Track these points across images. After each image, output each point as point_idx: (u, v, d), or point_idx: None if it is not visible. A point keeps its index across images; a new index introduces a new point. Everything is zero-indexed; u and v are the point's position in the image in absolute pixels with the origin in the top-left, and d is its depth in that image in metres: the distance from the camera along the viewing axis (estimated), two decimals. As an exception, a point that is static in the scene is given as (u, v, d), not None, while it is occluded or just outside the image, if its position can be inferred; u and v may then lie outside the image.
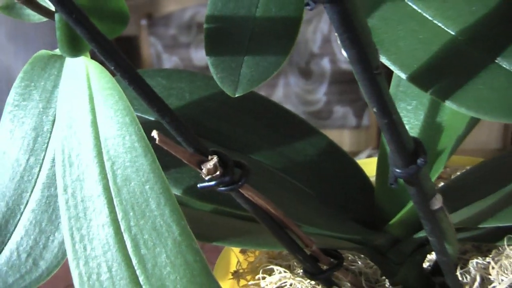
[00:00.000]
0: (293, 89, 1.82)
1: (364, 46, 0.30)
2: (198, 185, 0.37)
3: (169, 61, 1.89)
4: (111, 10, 0.39)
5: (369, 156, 1.71)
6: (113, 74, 0.39)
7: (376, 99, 0.32)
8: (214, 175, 0.36)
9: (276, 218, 0.43)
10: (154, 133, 0.33)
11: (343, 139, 1.83)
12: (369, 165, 0.59)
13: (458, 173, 0.66)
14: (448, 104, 0.35)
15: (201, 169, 0.36)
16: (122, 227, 0.38)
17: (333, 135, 0.58)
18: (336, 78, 1.78)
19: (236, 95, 0.39)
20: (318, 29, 1.74)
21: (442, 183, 0.66)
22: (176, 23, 1.84)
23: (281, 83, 1.82)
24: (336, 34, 0.29)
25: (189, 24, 1.83)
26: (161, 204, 0.38)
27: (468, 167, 0.65)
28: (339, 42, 0.30)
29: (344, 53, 0.30)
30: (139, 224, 0.38)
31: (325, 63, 1.78)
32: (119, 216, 0.38)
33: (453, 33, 0.36)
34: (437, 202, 0.41)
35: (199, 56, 1.84)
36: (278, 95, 1.82)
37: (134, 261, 0.38)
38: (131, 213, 0.38)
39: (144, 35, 1.86)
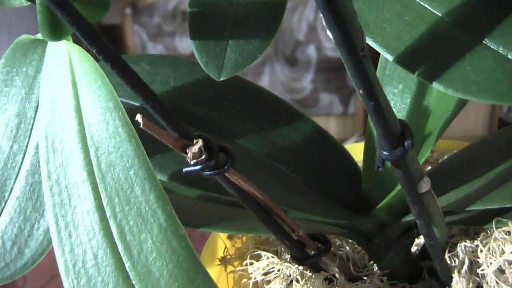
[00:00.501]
0: (278, 77, 1.82)
1: (349, 28, 0.29)
2: (184, 170, 0.37)
3: (154, 50, 1.88)
4: (93, -6, 0.38)
5: (356, 142, 1.71)
6: (96, 60, 0.38)
7: (361, 81, 0.32)
8: (199, 159, 0.36)
9: (262, 203, 0.43)
10: (138, 117, 0.33)
11: (329, 126, 1.83)
12: (356, 150, 0.59)
13: (446, 157, 0.66)
14: (435, 85, 0.34)
15: (186, 154, 0.36)
16: (107, 213, 0.38)
17: (319, 122, 0.58)
18: (322, 66, 1.78)
19: (221, 79, 0.38)
20: (303, 17, 1.74)
21: (429, 167, 0.66)
22: (160, 12, 1.83)
23: (266, 71, 1.81)
24: (321, 16, 0.29)
25: (174, 13, 1.83)
26: (146, 190, 0.37)
27: (455, 151, 0.65)
28: (324, 23, 0.29)
29: (329, 34, 0.30)
30: (124, 210, 0.37)
31: (311, 51, 1.77)
32: (104, 202, 0.38)
33: (439, 14, 0.36)
34: (425, 185, 0.41)
35: (184, 45, 1.83)
36: (264, 83, 1.82)
37: (120, 248, 0.37)
38: (116, 199, 0.38)
39: (129, 24, 1.85)
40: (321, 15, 0.29)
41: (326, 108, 1.81)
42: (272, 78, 1.82)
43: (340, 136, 1.79)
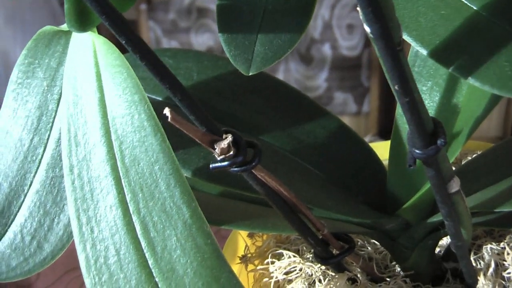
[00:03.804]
0: (293, 75, 1.81)
1: (387, 21, 0.29)
2: (211, 166, 0.36)
3: (169, 46, 1.87)
4: (120, -16, 0.37)
5: (370, 142, 1.70)
6: (121, 51, 0.37)
7: (398, 76, 0.31)
8: (227, 155, 0.35)
9: (288, 201, 0.42)
10: (166, 111, 0.32)
11: (344, 125, 1.82)
12: (380, 148, 0.58)
13: (469, 158, 0.65)
14: (470, 81, 0.33)
15: (214, 149, 0.35)
16: (131, 209, 0.37)
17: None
18: (337, 64, 1.77)
19: (250, 74, 0.37)
20: (319, 15, 1.73)
21: (453, 168, 0.65)
22: (175, 8, 1.83)
23: (281, 69, 1.81)
24: (359, 9, 0.28)
25: (189, 9, 1.82)
26: (171, 185, 0.36)
27: (478, 152, 0.64)
28: (361, 17, 0.29)
29: (367, 28, 0.29)
30: (148, 206, 0.37)
31: (326, 49, 1.76)
32: (128, 197, 0.37)
33: (476, 8, 0.35)
34: (455, 185, 0.40)
35: (200, 41, 1.83)
36: (279, 80, 1.81)
37: (143, 244, 0.37)
38: (140, 195, 0.37)
39: (143, 20, 1.84)
40: (358, 8, 0.28)
41: (340, 106, 1.80)
42: (286, 76, 1.81)
43: (354, 135, 1.78)
